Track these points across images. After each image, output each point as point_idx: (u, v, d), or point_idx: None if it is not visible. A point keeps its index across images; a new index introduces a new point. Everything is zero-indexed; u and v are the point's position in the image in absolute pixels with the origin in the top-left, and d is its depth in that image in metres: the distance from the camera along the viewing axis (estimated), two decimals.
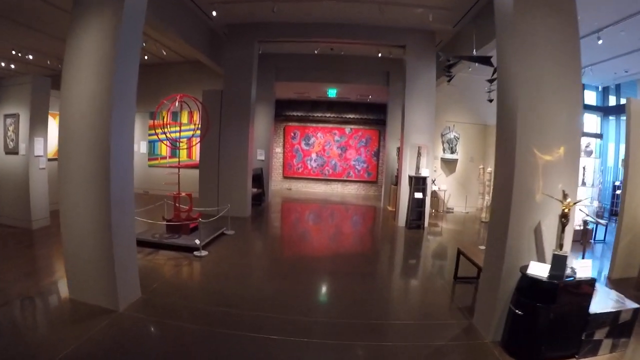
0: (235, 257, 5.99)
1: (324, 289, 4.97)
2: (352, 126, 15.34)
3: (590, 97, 13.14)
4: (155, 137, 12.37)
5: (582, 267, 3.39)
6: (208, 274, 5.14)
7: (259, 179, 11.02)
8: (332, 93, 12.86)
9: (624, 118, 9.05)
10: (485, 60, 6.56)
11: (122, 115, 3.81)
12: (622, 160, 10.11)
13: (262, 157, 11.49)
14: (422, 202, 8.52)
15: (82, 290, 3.96)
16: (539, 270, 3.35)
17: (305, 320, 3.87)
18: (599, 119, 12.11)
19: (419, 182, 8.49)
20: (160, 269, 5.19)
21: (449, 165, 11.62)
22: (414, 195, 8.38)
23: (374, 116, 14.90)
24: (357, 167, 15.48)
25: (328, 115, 15.05)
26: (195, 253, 5.82)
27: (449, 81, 6.95)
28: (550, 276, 3.28)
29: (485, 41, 7.00)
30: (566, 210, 3.38)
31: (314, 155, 15.56)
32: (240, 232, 7.50)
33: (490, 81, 6.77)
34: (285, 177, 15.82)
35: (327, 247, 6.99)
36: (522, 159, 3.44)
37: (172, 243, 6.13)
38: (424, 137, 8.66)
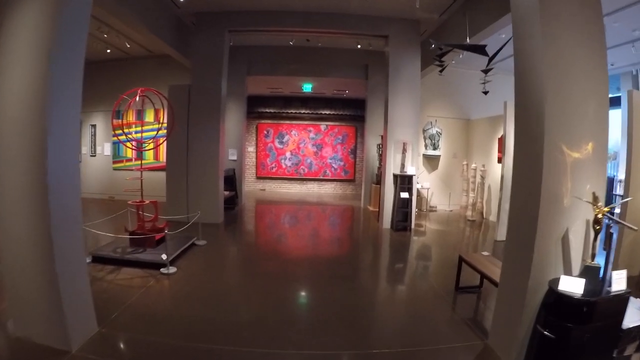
0: (208, 273, 5.27)
1: (310, 309, 4.34)
2: (328, 123, 14.77)
3: None
4: (126, 136, 11.45)
5: (617, 279, 2.92)
6: (177, 296, 4.41)
7: (231, 181, 10.26)
8: (307, 88, 12.22)
9: (617, 111, 8.95)
10: (480, 49, 6.11)
11: (63, 114, 3.05)
12: (614, 153, 10.11)
13: (234, 157, 10.73)
14: (408, 202, 8.03)
15: (29, 328, 3.19)
16: (572, 285, 2.85)
17: (293, 354, 3.24)
18: None
19: (404, 181, 7.99)
20: (121, 292, 4.43)
21: (431, 162, 11.23)
22: (399, 195, 7.87)
23: (351, 112, 14.38)
24: (333, 165, 14.92)
25: (302, 111, 14.40)
26: (162, 270, 5.07)
27: (440, 71, 6.48)
28: (586, 292, 2.79)
29: (477, 29, 6.55)
30: (599, 216, 2.90)
31: (288, 154, 14.89)
32: (212, 241, 6.77)
33: (485, 71, 6.32)
34: (259, 178, 15.08)
35: (310, 256, 6.33)
36: (550, 157, 2.92)
37: (136, 259, 5.35)
38: (409, 133, 8.16)
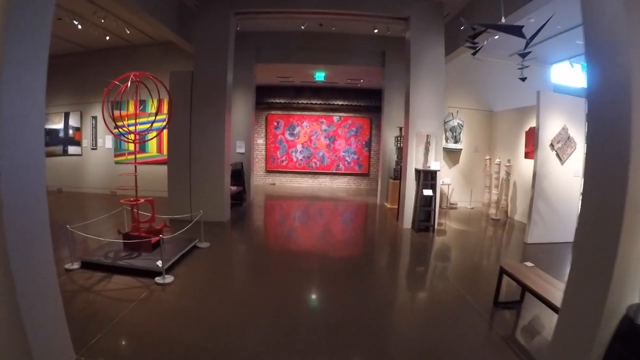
0: (210, 283, 4.65)
1: (328, 330, 3.67)
2: (341, 114, 14.06)
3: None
4: (119, 129, 10.90)
5: None
6: (172, 314, 3.78)
7: (239, 175, 9.65)
8: (319, 77, 11.50)
9: None
10: (516, 30, 5.33)
11: (20, 101, 2.43)
12: None
13: (242, 150, 10.10)
14: (431, 200, 7.34)
15: None
16: None
17: None
18: None
19: (427, 177, 7.29)
20: (109, 306, 3.83)
21: (452, 155, 10.48)
22: (422, 192, 7.18)
23: (365, 103, 13.65)
24: (346, 158, 14.23)
25: (314, 102, 13.70)
26: (158, 279, 4.47)
27: (474, 53, 5.73)
28: None
29: (512, 9, 5.79)
30: None
31: (299, 147, 14.23)
32: (217, 243, 6.16)
33: (523, 55, 5.56)
34: (268, 171, 14.46)
35: (324, 262, 5.64)
36: (638, 159, 2.21)
37: (129, 265, 4.76)
38: (432, 125, 7.44)
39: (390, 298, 4.50)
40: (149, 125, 5.64)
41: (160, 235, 4.85)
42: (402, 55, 9.76)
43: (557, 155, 7.19)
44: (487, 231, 8.12)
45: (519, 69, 5.99)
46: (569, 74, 12.33)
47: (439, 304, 4.32)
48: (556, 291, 3.31)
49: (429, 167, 7.33)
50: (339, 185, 14.44)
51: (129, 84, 5.01)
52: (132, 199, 5.43)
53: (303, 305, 4.18)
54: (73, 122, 11.39)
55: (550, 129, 7.07)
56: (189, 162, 7.51)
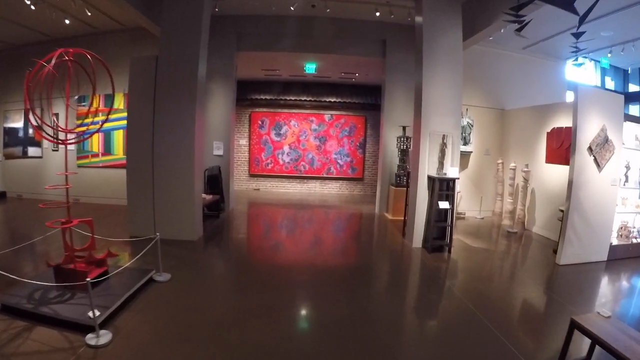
0: (164, 342, 3.25)
1: None
2: (333, 112, 12.73)
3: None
4: (86, 127, 9.45)
5: None
6: None
7: (216, 181, 8.24)
8: (310, 69, 10.15)
9: None
10: (568, 4, 4.11)
11: None
12: None
13: (221, 152, 8.68)
14: (447, 214, 6.08)
15: None
16: None
17: None
18: None
19: (444, 186, 6.03)
20: None
21: (460, 159, 9.18)
22: (437, 204, 5.90)
23: (360, 99, 12.37)
24: (339, 161, 12.91)
25: (304, 98, 12.32)
26: (89, 338, 3.07)
27: (519, 29, 4.47)
28: None
29: None
30: None
31: (286, 148, 12.85)
32: (181, 273, 4.75)
33: (577, 35, 4.32)
34: (252, 175, 13.03)
35: (321, 305, 4.27)
36: None
37: (54, 314, 3.36)
38: (449, 123, 6.19)
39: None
40: (94, 122, 4.23)
41: (107, 265, 3.45)
42: (407, 43, 8.66)
43: (595, 160, 6.03)
44: (509, 249, 6.92)
45: (573, 52, 4.71)
46: (581, 70, 11.38)
47: None
48: None
49: (445, 173, 6.06)
50: (330, 190, 13.10)
51: (52, 64, 3.57)
52: (63, 220, 4.01)
53: None
54: (33, 120, 9.90)
55: (589, 130, 5.90)
56: (151, 167, 6.09)
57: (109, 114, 4.37)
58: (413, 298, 4.67)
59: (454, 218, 6.17)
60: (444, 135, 6.04)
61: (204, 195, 7.53)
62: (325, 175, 12.98)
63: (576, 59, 5.21)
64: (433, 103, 6.14)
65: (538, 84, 9.98)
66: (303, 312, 4.05)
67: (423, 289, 4.89)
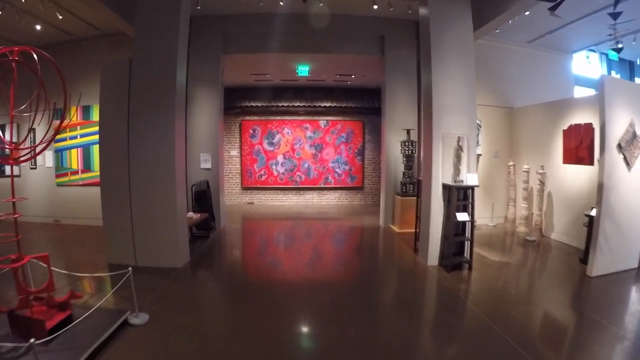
0: None
1: None
2: (329, 117, 12.04)
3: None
4: (64, 142, 8.75)
5: None
6: None
7: (205, 197, 7.46)
8: (303, 71, 9.47)
9: None
10: None
11: None
12: None
13: (208, 165, 7.92)
14: (465, 226, 5.37)
15: None
16: None
17: None
18: None
19: (461, 196, 5.32)
20: None
21: None
22: (454, 216, 5.18)
23: (356, 104, 11.72)
24: (337, 170, 12.18)
25: (297, 104, 11.60)
26: None
27: (553, 8, 3.81)
28: None
29: None
30: None
31: (280, 158, 12.11)
32: (162, 313, 3.97)
33: (614, 16, 3.67)
34: (245, 188, 12.24)
35: (336, 343, 3.57)
36: None
37: None
38: (463, 123, 5.49)
39: None
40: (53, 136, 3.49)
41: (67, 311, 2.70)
42: (408, 39, 8.06)
43: (625, 159, 5.39)
44: (532, 260, 6.24)
45: (611, 34, 4.05)
46: (587, 64, 10.87)
47: None
48: None
49: (462, 180, 5.35)
50: (328, 201, 12.35)
51: None
52: (13, 257, 3.25)
53: None
54: (9, 135, 9.15)
55: (618, 125, 5.27)
56: (127, 185, 5.34)
57: (58, 128, 3.59)
58: (437, 330, 3.91)
59: (474, 231, 5.45)
60: (459, 138, 5.34)
61: (191, 214, 6.78)
62: (322, 186, 12.23)
63: (617, 43, 4.51)
64: (445, 102, 5.45)
65: (545, 80, 9.40)
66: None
67: (447, 318, 4.13)
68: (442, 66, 5.52)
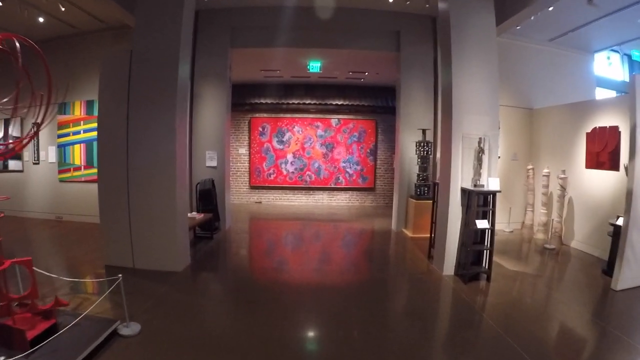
0: None
1: None
2: (341, 116, 11.72)
3: None
4: (67, 138, 8.59)
5: None
6: None
7: (209, 197, 7.20)
8: (314, 67, 9.18)
9: None
10: None
11: None
12: None
13: (214, 163, 7.66)
14: (486, 234, 5.02)
15: None
16: None
17: None
18: None
19: (481, 201, 4.97)
20: None
21: None
22: (474, 223, 4.83)
23: (370, 102, 11.44)
24: (348, 170, 11.87)
25: (308, 102, 11.34)
26: None
27: None
28: None
29: None
30: None
31: (290, 157, 11.84)
32: (155, 322, 3.69)
33: None
34: (253, 187, 11.99)
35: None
36: None
37: None
38: (485, 124, 5.14)
39: None
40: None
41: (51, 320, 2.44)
42: (424, 35, 7.75)
43: None
44: (552, 271, 5.86)
45: None
46: (607, 65, 10.46)
47: None
48: None
49: (483, 185, 4.99)
50: (338, 202, 12.04)
51: None
52: None
53: None
54: (13, 130, 9.16)
55: None
56: (126, 183, 5.08)
57: (40, 124, 3.35)
58: (451, 345, 3.55)
59: (494, 240, 5.08)
60: (480, 139, 4.98)
61: (194, 214, 6.52)
62: (333, 186, 11.93)
63: None
64: (465, 100, 5.10)
65: (566, 80, 8.97)
66: None
67: (462, 333, 3.78)
68: (463, 63, 5.16)
